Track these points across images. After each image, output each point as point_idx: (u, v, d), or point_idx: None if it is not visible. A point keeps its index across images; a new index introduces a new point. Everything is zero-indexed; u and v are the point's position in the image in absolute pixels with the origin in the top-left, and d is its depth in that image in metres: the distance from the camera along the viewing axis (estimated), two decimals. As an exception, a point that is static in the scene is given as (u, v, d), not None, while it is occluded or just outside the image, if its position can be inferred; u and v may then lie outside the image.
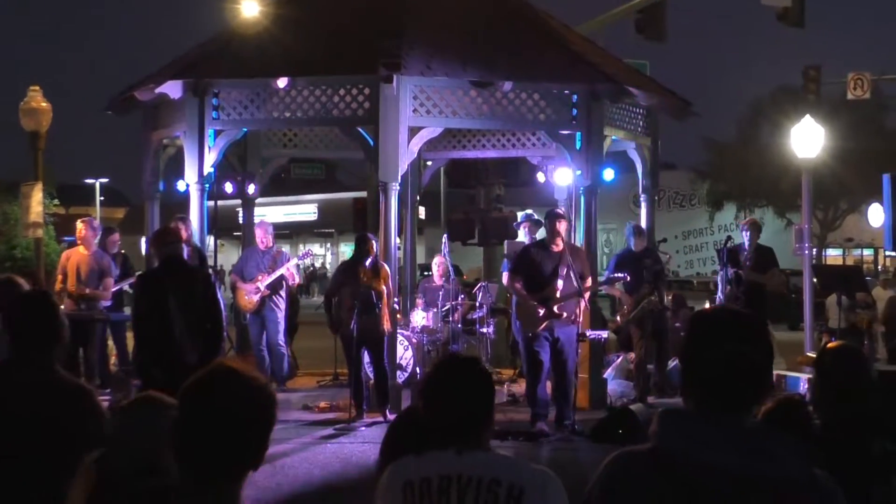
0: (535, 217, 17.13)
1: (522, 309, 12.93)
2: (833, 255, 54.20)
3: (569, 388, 12.79)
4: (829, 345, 4.89)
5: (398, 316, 14.60)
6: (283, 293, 15.62)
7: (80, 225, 15.16)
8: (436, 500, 3.81)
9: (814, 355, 5.55)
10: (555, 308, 12.55)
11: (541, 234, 16.25)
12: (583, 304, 12.99)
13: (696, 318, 3.14)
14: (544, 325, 12.55)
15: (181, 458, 2.85)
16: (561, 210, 13.77)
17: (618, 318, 15.92)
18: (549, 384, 13.12)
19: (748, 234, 15.29)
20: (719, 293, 15.29)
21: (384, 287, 13.37)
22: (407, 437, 4.10)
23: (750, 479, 2.82)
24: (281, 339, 15.51)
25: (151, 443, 3.45)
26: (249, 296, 15.30)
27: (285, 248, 19.12)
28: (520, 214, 17.96)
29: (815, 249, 33.58)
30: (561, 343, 12.65)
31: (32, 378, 4.63)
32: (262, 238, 15.61)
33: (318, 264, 65.65)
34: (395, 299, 14.16)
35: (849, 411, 4.56)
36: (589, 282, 13.11)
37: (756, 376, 2.98)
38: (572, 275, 12.56)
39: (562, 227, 12.73)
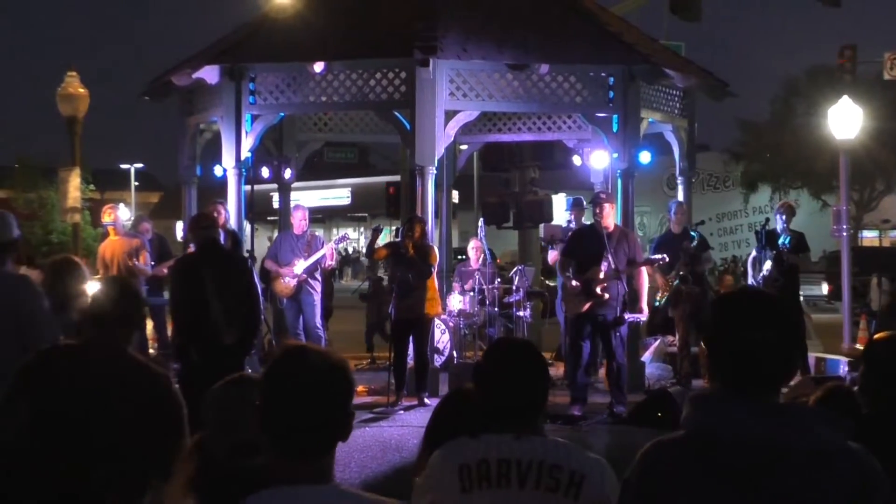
0: (576, 198, 17.10)
1: (567, 291, 12.91)
2: (869, 236, 53.75)
3: (619, 373, 12.70)
4: (878, 335, 4.84)
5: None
6: (318, 276, 15.62)
7: (107, 211, 15.35)
8: (494, 482, 3.83)
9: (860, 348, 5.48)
10: (598, 289, 12.48)
11: (586, 217, 16.22)
12: (643, 282, 12.97)
13: (721, 301, 3.21)
14: (587, 306, 12.50)
15: (272, 439, 2.94)
16: (605, 193, 13.68)
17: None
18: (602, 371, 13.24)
19: (783, 217, 15.24)
20: (751, 275, 15.22)
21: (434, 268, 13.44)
22: (453, 420, 4.11)
23: (781, 451, 2.85)
24: (318, 322, 15.50)
25: (246, 421, 3.49)
26: (286, 280, 15.30)
27: (319, 233, 19.10)
28: (559, 198, 17.90)
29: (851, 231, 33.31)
30: (607, 327, 12.60)
31: (107, 360, 4.68)
32: (301, 221, 15.60)
33: (350, 249, 65.72)
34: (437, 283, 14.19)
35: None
36: (642, 267, 13.06)
37: (781, 360, 3.02)
38: (615, 257, 12.47)
39: (605, 209, 12.66)
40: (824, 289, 33.80)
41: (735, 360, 2.98)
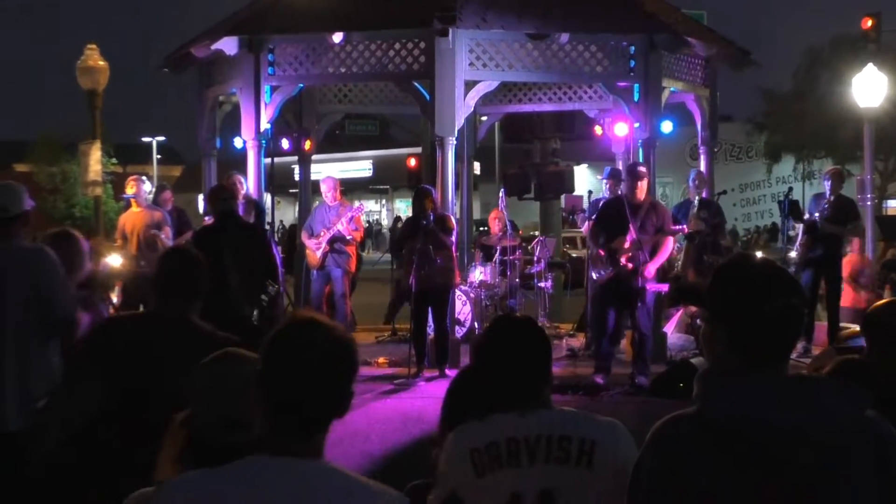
0: (613, 169, 16.99)
1: (595, 258, 12.90)
2: (894, 206, 53.43)
3: (642, 343, 12.64)
4: (877, 303, 4.75)
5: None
6: (348, 249, 15.55)
7: (130, 182, 15.25)
8: (505, 462, 3.80)
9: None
10: (622, 259, 12.43)
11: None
12: (665, 250, 12.86)
13: (737, 271, 2.98)
14: (611, 274, 12.46)
15: (268, 411, 2.86)
16: (642, 166, 13.51)
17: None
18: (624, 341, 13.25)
19: (830, 183, 14.97)
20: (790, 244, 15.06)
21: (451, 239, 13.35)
22: (468, 394, 4.09)
23: (801, 432, 2.76)
24: (343, 293, 15.49)
25: (235, 397, 3.44)
26: (314, 252, 15.32)
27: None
28: (581, 169, 17.81)
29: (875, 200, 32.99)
30: (632, 297, 12.52)
31: (173, 328, 4.74)
32: (328, 192, 15.55)
33: (372, 220, 65.72)
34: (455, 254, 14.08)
35: None
36: (668, 239, 12.94)
37: (802, 328, 2.94)
38: (643, 228, 12.40)
39: (642, 184, 12.57)
40: None
41: (761, 331, 2.84)
